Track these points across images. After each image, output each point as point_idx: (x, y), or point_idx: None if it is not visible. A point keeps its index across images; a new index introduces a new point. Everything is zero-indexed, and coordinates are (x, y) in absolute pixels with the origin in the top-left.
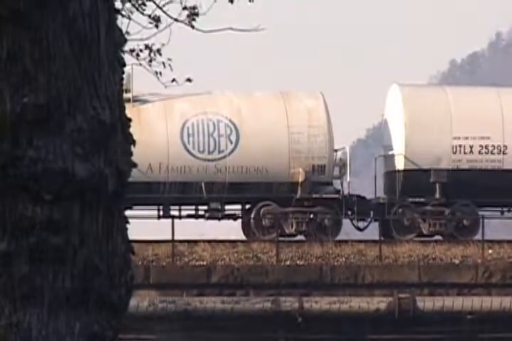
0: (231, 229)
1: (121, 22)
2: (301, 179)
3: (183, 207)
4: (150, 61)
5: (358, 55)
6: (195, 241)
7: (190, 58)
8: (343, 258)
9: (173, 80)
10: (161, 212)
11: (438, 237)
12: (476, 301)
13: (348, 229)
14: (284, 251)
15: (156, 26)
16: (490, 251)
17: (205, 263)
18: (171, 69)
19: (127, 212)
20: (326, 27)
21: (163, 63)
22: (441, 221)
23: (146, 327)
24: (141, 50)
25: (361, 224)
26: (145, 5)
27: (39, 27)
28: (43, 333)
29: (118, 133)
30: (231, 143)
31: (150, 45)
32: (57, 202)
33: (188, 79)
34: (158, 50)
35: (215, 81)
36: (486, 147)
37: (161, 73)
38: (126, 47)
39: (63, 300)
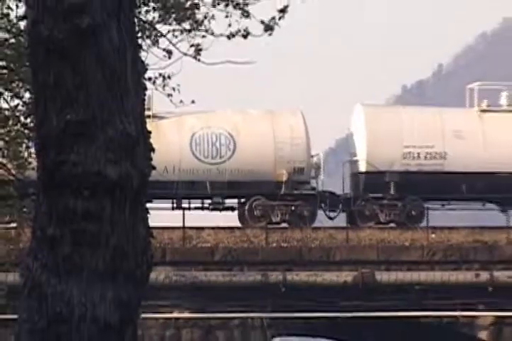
0: (230, 218)
1: (142, 55)
2: (284, 179)
3: (192, 201)
4: (164, 86)
5: (330, 79)
6: (202, 228)
7: (197, 82)
8: (318, 241)
9: (181, 101)
10: (175, 205)
11: (392, 225)
12: (422, 275)
13: (321, 218)
14: (271, 235)
15: (169, 57)
16: (433, 235)
17: (209, 245)
18: (179, 93)
19: (148, 205)
20: (302, 54)
21: (173, 88)
22: (395, 212)
23: (163, 295)
24: (156, 78)
25: (332, 214)
26: (158, 42)
27: (79, 59)
28: (82, 300)
29: (141, 143)
30: (229, 150)
31: (164, 74)
32: (93, 197)
33: (192, 101)
34: (169, 77)
35: (217, 100)
36: (430, 153)
37: (172, 95)
38: (146, 75)
39: (98, 275)
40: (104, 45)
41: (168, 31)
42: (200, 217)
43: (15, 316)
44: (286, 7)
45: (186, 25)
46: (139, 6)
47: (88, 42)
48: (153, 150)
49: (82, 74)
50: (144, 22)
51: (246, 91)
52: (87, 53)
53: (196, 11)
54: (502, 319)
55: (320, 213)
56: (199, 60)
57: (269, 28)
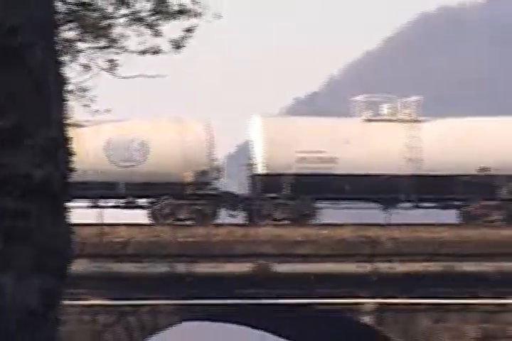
0: (142, 216)
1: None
2: (189, 180)
3: (108, 200)
4: (82, 97)
5: (234, 91)
6: (117, 225)
7: (114, 93)
8: (220, 236)
9: (97, 110)
10: (93, 203)
11: (286, 222)
12: (313, 266)
13: (223, 216)
14: (178, 231)
15: (88, 71)
16: (325, 231)
17: (122, 239)
18: (95, 104)
19: (69, 204)
20: (211, 68)
21: (90, 99)
22: (289, 210)
23: (82, 284)
24: (75, 90)
25: (233, 213)
26: (77, 58)
27: (9, 74)
28: (13, 291)
29: (63, 147)
30: (142, 155)
31: (82, 86)
32: (22, 197)
33: (107, 110)
34: (85, 90)
35: (131, 109)
36: (321, 158)
37: (89, 106)
38: (67, 88)
39: (27, 268)
40: (31, 61)
41: (86, 48)
42: (115, 215)
43: None
44: (192, 27)
45: (102, 43)
46: (61, 25)
47: (17, 58)
48: (73, 154)
49: (12, 87)
50: (65, 40)
51: (159, 101)
52: (16, 68)
53: (111, 30)
54: (384, 305)
55: (222, 211)
56: (114, 74)
57: (177, 45)
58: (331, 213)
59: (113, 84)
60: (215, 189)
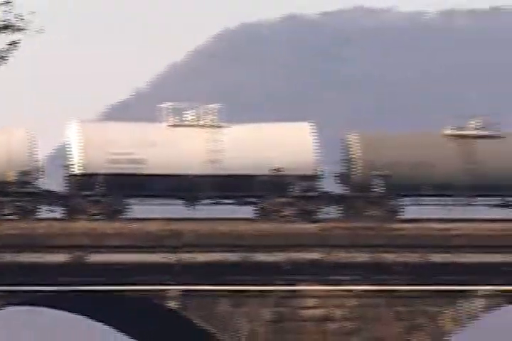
0: None
1: None
2: (13, 179)
3: None
4: None
5: (55, 99)
6: None
7: None
8: (41, 230)
9: None
10: None
11: (100, 216)
12: (127, 256)
13: (44, 212)
14: (3, 225)
15: None
16: (134, 225)
17: None
18: None
19: None
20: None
21: None
22: (102, 206)
23: None
24: None
25: (53, 209)
26: None
27: None
28: None
29: None
30: None
31: None
32: None
33: None
34: None
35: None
36: (131, 159)
37: None
38: None
39: None
40: None
41: None
42: None
43: None
44: (16, 41)
45: None
46: None
47: None
48: None
49: None
50: None
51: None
52: None
53: None
54: (188, 292)
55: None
56: None
57: (1, 57)
58: (141, 209)
59: None
60: (36, 187)
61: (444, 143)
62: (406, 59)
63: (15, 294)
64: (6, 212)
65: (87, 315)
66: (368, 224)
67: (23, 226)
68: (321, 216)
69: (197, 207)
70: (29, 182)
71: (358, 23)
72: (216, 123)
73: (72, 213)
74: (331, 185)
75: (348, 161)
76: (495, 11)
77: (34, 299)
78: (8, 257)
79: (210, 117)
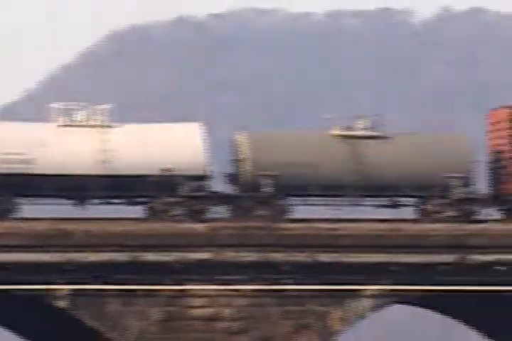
0: None
1: None
2: None
3: None
4: None
5: None
6: None
7: None
8: None
9: None
10: None
11: None
12: (17, 256)
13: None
14: None
15: None
16: (24, 224)
17: None
18: None
19: None
20: None
21: None
22: None
23: None
24: None
25: None
26: None
27: None
28: None
29: None
30: None
31: None
32: None
33: None
34: None
35: None
36: (20, 159)
37: None
38: None
39: None
40: None
41: None
42: None
43: None
44: None
45: None
46: None
47: None
48: None
49: None
50: None
51: None
52: None
53: None
54: (77, 291)
55: None
56: None
57: None
58: (31, 209)
59: None
60: None
61: (332, 143)
62: (290, 59)
63: None
64: None
65: None
66: (257, 224)
67: None
68: (209, 216)
69: (87, 207)
70: None
71: (245, 25)
72: (106, 124)
73: None
74: (221, 186)
75: (237, 161)
76: (384, 11)
77: None
78: None
79: (100, 117)
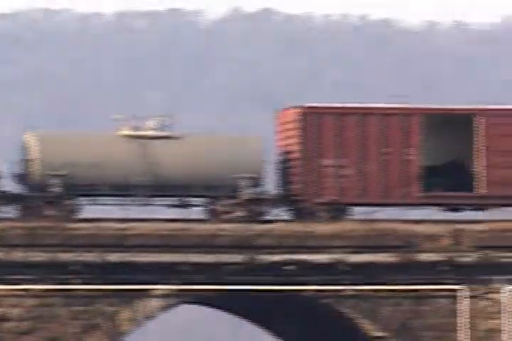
0: None
1: None
2: None
3: None
4: None
5: None
6: None
7: None
8: None
9: None
10: None
11: None
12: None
13: None
14: None
15: None
16: None
17: None
18: None
19: None
20: None
21: None
22: None
23: None
24: None
25: None
26: None
27: None
28: None
29: None
30: None
31: None
32: None
33: None
34: None
35: None
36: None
37: None
38: None
39: None
40: None
41: None
42: None
43: None
44: None
45: None
46: None
47: None
48: None
49: None
50: None
51: None
52: None
53: None
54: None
55: None
56: None
57: None
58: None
59: None
60: None
61: (122, 143)
62: (84, 60)
63: None
64: None
65: None
66: (45, 224)
67: None
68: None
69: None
70: None
71: (31, 25)
72: None
73: None
74: (11, 186)
75: (26, 161)
76: (173, 12)
77: None
78: None
79: None
